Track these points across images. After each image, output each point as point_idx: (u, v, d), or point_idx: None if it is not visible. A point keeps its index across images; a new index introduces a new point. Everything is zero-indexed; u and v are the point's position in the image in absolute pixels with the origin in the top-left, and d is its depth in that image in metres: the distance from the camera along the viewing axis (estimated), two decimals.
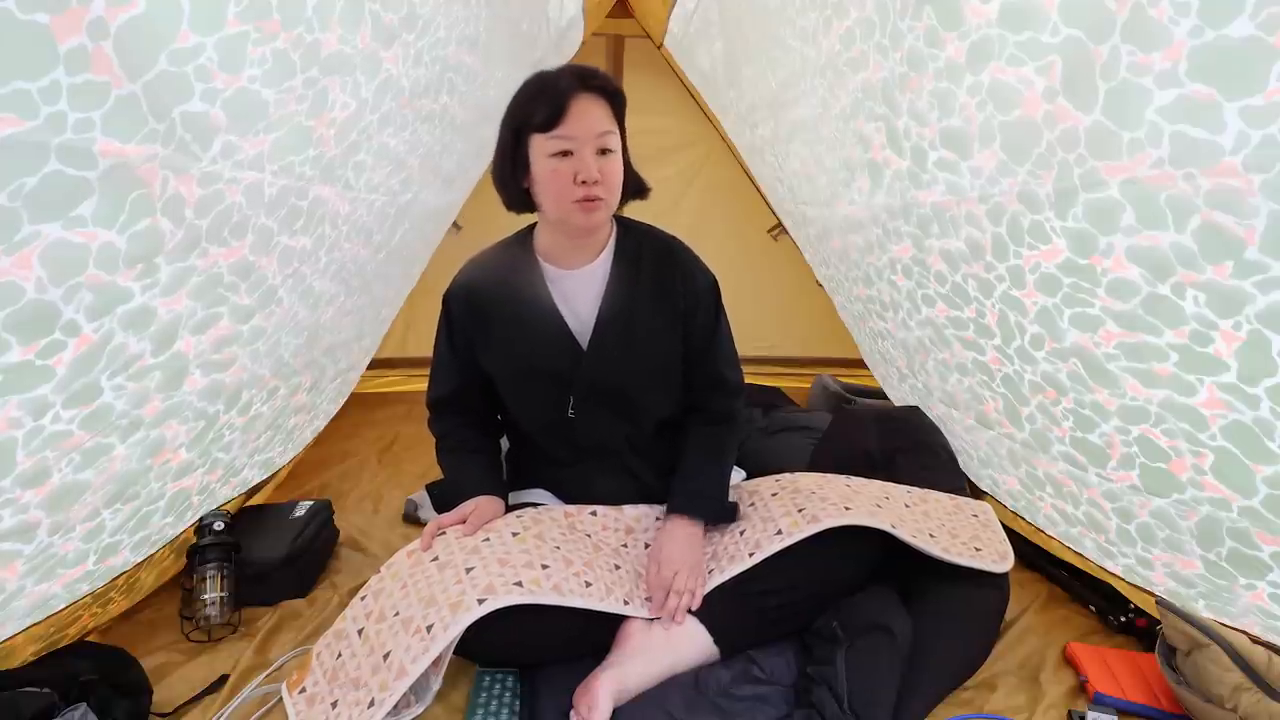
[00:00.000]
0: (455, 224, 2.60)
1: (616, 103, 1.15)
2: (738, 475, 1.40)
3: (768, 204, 2.72)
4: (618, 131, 1.15)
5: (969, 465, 1.64)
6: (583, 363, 1.23)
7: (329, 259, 1.36)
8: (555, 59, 2.42)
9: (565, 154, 1.11)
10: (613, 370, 1.24)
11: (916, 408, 1.66)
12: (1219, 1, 0.66)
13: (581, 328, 1.24)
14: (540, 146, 1.12)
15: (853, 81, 1.32)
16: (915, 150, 1.20)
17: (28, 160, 0.64)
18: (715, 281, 1.30)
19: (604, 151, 1.12)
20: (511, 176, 1.18)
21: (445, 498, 1.29)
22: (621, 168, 1.16)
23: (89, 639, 1.19)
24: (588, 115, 1.10)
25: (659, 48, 2.62)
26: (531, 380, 1.27)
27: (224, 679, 1.14)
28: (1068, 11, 0.81)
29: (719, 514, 1.26)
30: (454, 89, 1.60)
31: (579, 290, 1.24)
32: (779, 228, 2.78)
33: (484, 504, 1.21)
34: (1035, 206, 0.99)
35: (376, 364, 2.52)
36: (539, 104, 1.11)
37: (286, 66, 0.92)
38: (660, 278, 1.25)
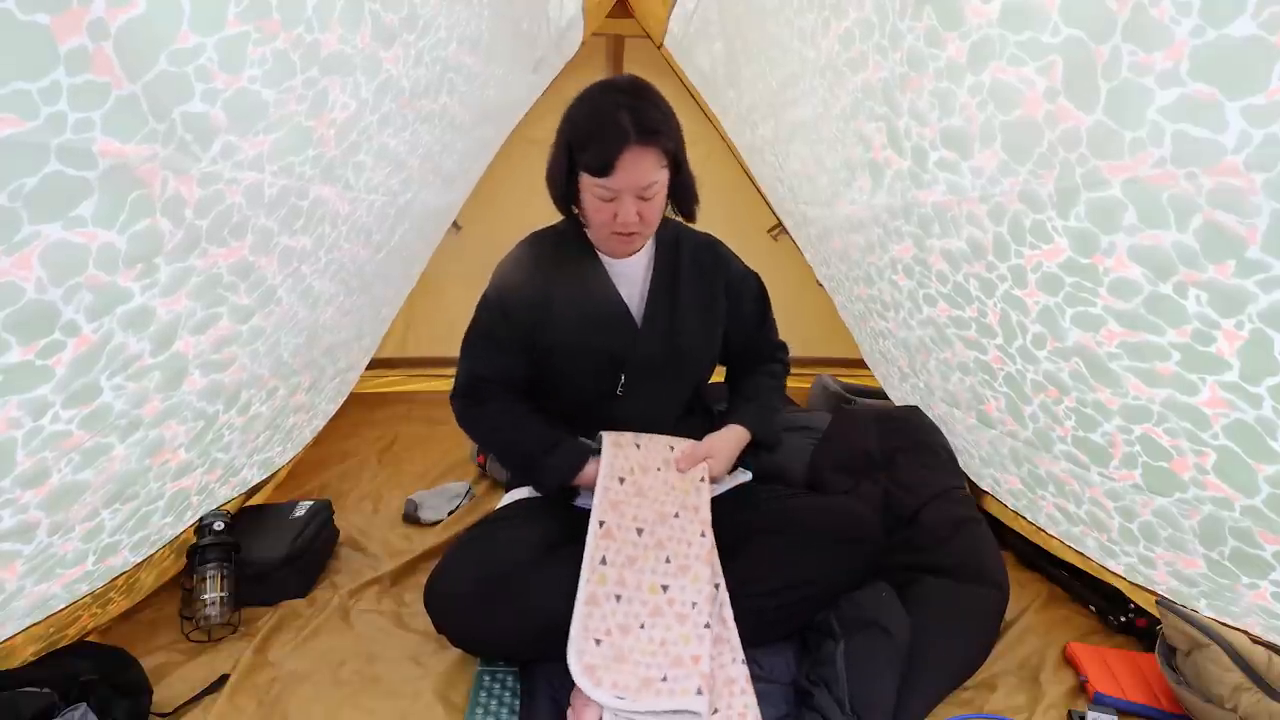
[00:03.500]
0: (455, 224, 2.60)
1: (669, 142, 1.15)
2: (743, 476, 1.39)
3: (768, 204, 2.72)
4: (664, 177, 1.16)
5: (970, 464, 1.64)
6: (638, 340, 1.28)
7: (329, 259, 1.36)
8: (555, 59, 2.42)
9: (610, 199, 1.14)
10: (662, 350, 1.29)
11: (916, 408, 1.66)
12: (1220, 1, 0.66)
13: (633, 309, 1.30)
14: (588, 182, 1.15)
15: (852, 82, 1.32)
16: (916, 150, 1.20)
17: (28, 160, 0.64)
18: (754, 271, 1.44)
19: (646, 197, 1.14)
20: (564, 189, 1.22)
21: (555, 463, 1.25)
22: (662, 205, 1.20)
23: (89, 639, 1.18)
24: (636, 169, 1.11)
25: (659, 48, 2.62)
26: (586, 358, 1.29)
27: (224, 679, 1.14)
28: (1069, 11, 0.81)
29: (768, 435, 1.38)
30: (454, 89, 1.60)
31: (628, 278, 1.30)
32: (779, 228, 2.78)
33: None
34: (1037, 206, 0.99)
35: (376, 364, 2.52)
36: (591, 149, 1.12)
37: (286, 67, 0.92)
38: (700, 267, 1.33)
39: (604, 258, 1.29)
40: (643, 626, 1.09)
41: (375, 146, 1.32)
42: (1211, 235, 0.77)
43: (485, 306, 1.32)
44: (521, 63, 2.07)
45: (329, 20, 0.97)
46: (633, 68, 2.71)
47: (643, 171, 1.12)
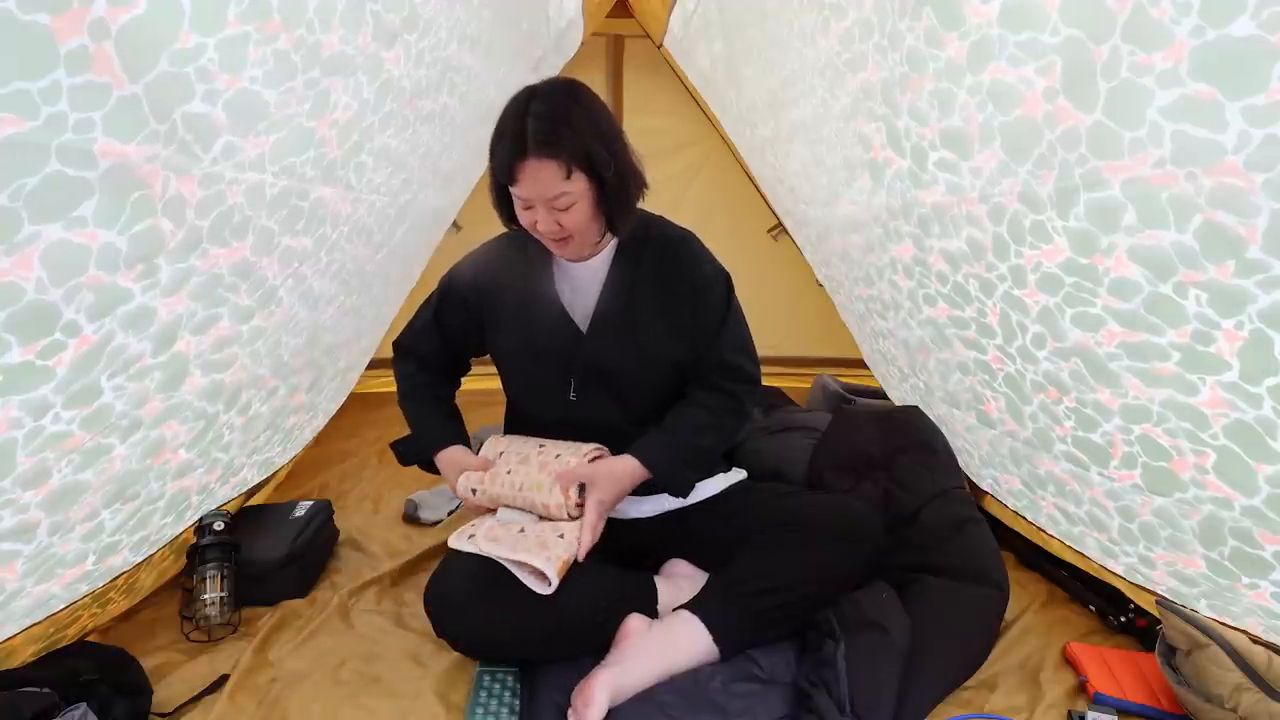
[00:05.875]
0: (455, 224, 2.60)
1: (574, 154, 1.08)
2: (738, 475, 1.40)
3: (768, 204, 2.73)
4: (578, 187, 1.11)
5: (970, 465, 1.64)
6: (584, 345, 1.25)
7: (329, 259, 1.36)
8: (555, 58, 2.42)
9: (527, 206, 1.14)
10: (611, 356, 1.26)
11: (916, 408, 1.66)
12: (1220, 1, 0.66)
13: (584, 315, 1.27)
14: (510, 189, 1.14)
15: (852, 82, 1.32)
16: (915, 150, 1.20)
17: (28, 161, 0.64)
18: (725, 274, 1.30)
19: (560, 207, 1.12)
20: (497, 194, 1.22)
21: (413, 447, 1.36)
22: (585, 214, 1.14)
23: (89, 639, 1.18)
24: (537, 181, 1.09)
25: (659, 48, 2.62)
26: (535, 362, 1.30)
27: (224, 679, 1.14)
28: (1068, 11, 0.81)
29: (667, 476, 1.23)
30: (455, 89, 1.60)
31: (583, 281, 1.27)
32: (779, 228, 2.78)
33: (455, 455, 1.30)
34: (1036, 206, 0.99)
35: (376, 364, 2.52)
36: (495, 156, 1.12)
37: (288, 67, 0.92)
38: (663, 270, 1.26)
39: (560, 261, 1.27)
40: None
41: (376, 147, 1.32)
42: (1211, 235, 0.78)
43: (437, 293, 1.38)
44: (521, 62, 2.08)
45: (330, 21, 0.97)
46: (633, 68, 2.72)
47: (545, 183, 1.09)
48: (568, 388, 1.28)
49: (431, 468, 1.34)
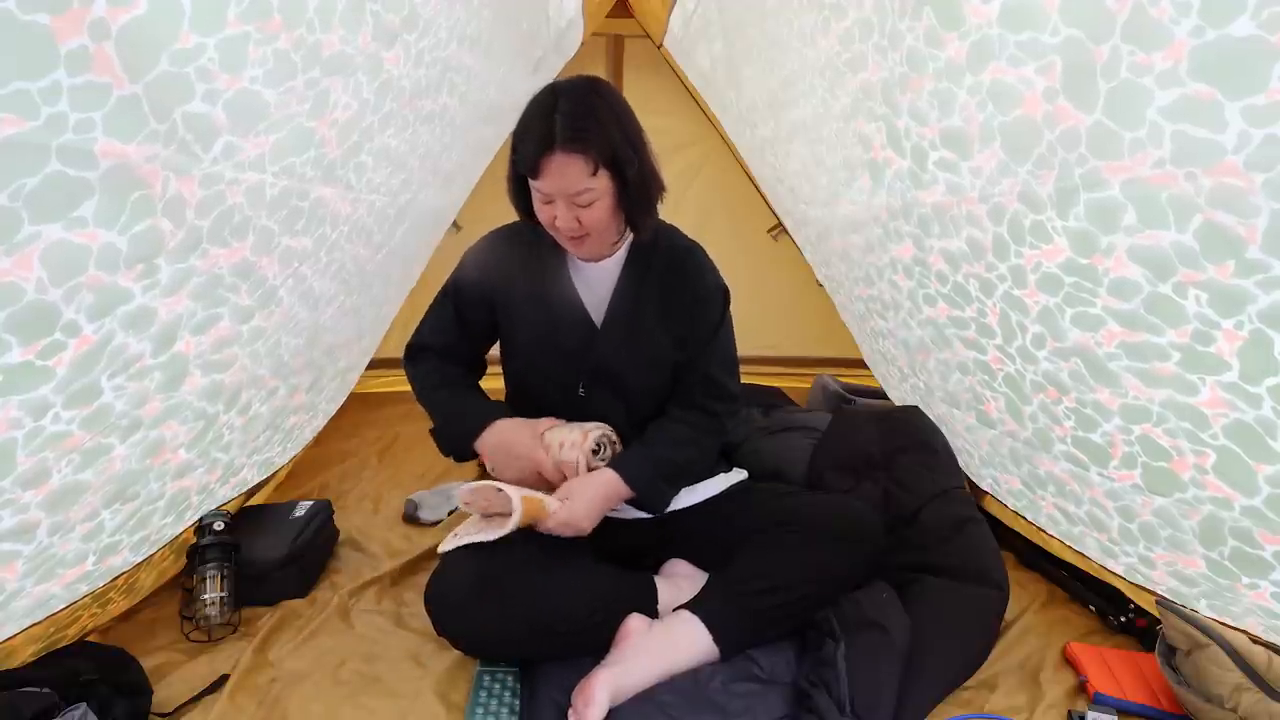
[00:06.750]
0: (455, 224, 2.60)
1: (601, 150, 1.09)
2: (738, 475, 1.40)
3: (768, 204, 2.73)
4: (601, 185, 1.11)
5: (970, 465, 1.64)
6: (595, 344, 1.26)
7: (329, 259, 1.36)
8: (555, 58, 2.42)
9: (548, 202, 1.13)
10: (619, 358, 1.27)
11: (916, 408, 1.66)
12: (1220, 1, 0.66)
13: (595, 314, 1.28)
14: (531, 183, 1.14)
15: (852, 82, 1.32)
16: (915, 150, 1.20)
17: (28, 161, 0.64)
18: (725, 288, 1.32)
19: (582, 204, 1.12)
20: (516, 189, 1.21)
21: (453, 429, 1.32)
22: (606, 212, 1.14)
23: (89, 639, 1.18)
24: (561, 176, 1.09)
25: (659, 48, 2.62)
26: (549, 357, 1.30)
27: (224, 679, 1.14)
28: (1068, 11, 0.81)
29: (647, 492, 1.24)
30: (454, 89, 1.60)
31: (596, 280, 1.28)
32: (779, 228, 2.78)
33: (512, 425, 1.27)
34: (1036, 206, 0.99)
35: (376, 364, 2.52)
36: (520, 150, 1.12)
37: (288, 67, 0.92)
38: (669, 280, 1.28)
39: (575, 260, 1.27)
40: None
41: (376, 147, 1.32)
42: (1211, 235, 0.78)
43: (449, 287, 1.36)
44: (522, 63, 2.07)
45: (330, 21, 0.97)
46: (633, 68, 2.72)
47: (570, 178, 1.09)
48: (577, 384, 1.29)
49: (467, 456, 1.31)
